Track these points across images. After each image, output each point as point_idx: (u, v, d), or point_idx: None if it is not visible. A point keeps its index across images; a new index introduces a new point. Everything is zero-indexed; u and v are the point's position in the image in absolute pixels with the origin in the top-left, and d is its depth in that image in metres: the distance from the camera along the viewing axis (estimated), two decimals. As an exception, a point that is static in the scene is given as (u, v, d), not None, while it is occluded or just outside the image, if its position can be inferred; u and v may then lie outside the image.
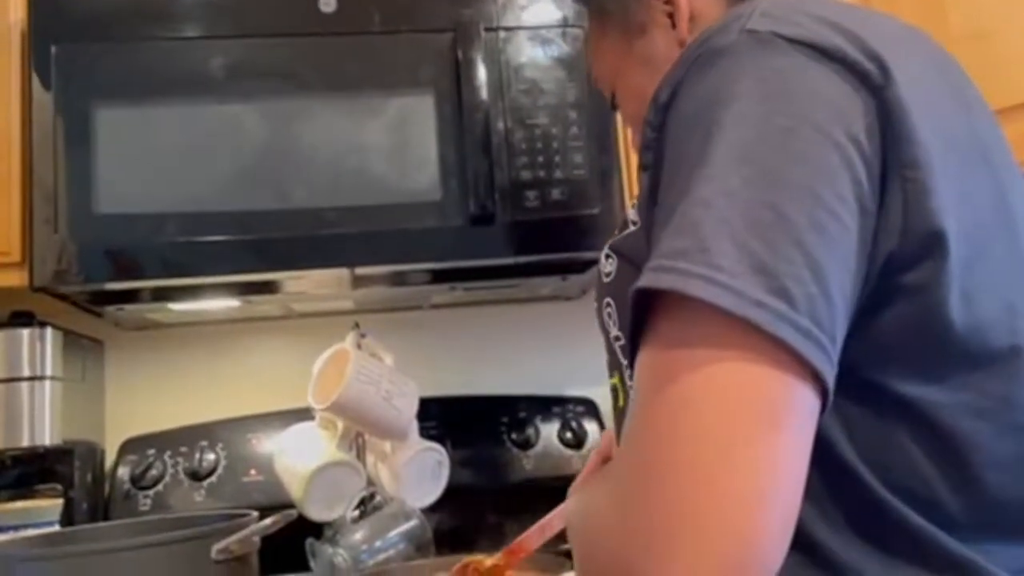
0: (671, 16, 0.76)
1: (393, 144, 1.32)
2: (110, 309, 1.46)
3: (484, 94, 1.32)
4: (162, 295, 1.40)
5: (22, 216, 1.29)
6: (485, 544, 1.04)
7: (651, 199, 0.57)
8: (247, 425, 1.57)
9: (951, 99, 0.59)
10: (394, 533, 1.21)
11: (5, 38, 1.33)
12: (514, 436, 1.62)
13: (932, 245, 0.52)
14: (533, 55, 1.37)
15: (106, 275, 1.26)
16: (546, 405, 1.67)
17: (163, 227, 1.26)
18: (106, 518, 1.49)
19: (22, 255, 1.28)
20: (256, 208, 1.28)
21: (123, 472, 1.51)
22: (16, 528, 1.29)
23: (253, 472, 1.52)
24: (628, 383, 0.71)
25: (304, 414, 1.34)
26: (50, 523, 1.32)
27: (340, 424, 1.29)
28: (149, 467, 1.50)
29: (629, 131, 1.13)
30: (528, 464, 1.61)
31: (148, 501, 1.48)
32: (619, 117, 1.38)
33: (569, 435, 1.64)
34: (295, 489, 1.25)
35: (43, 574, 0.91)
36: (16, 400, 1.32)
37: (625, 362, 0.73)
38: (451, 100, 1.33)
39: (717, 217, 0.49)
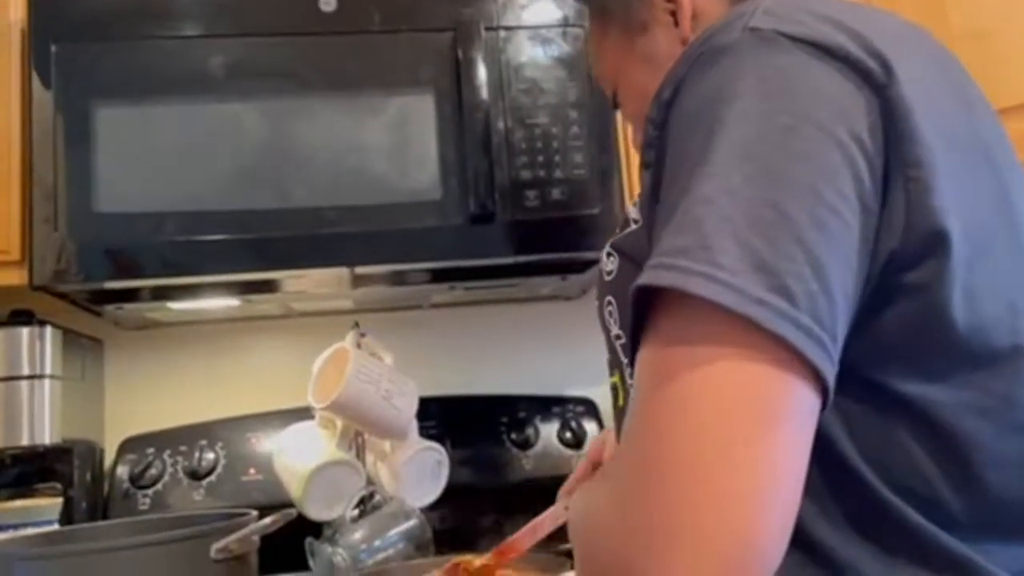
0: (673, 14, 0.76)
1: (393, 143, 1.32)
2: (110, 308, 1.46)
3: (484, 93, 1.32)
4: (162, 294, 1.40)
5: (22, 215, 1.29)
6: (485, 544, 1.04)
7: (653, 197, 0.57)
8: (246, 424, 1.57)
9: (953, 98, 0.59)
10: (393, 532, 1.20)
11: (5, 37, 1.33)
12: (514, 436, 1.62)
13: (934, 244, 0.52)
14: (533, 54, 1.37)
15: (106, 274, 1.26)
16: (546, 405, 1.67)
17: (163, 226, 1.26)
18: (105, 517, 1.49)
19: (22, 254, 1.28)
20: (256, 207, 1.28)
21: (122, 471, 1.51)
22: (15, 527, 1.29)
23: (252, 471, 1.52)
24: (628, 382, 0.71)
25: (304, 413, 1.34)
26: (49, 522, 1.32)
27: (339, 423, 1.29)
28: (148, 466, 1.50)
29: (630, 130, 1.13)
30: (528, 464, 1.61)
31: (147, 500, 1.48)
32: (619, 116, 1.38)
33: (569, 435, 1.64)
34: (294, 488, 1.25)
35: (42, 573, 0.90)
36: (15, 399, 1.32)
37: (626, 361, 0.73)
38: (451, 99, 1.33)
39: (719, 215, 0.49)
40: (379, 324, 1.44)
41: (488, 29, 1.36)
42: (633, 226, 0.73)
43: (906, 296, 0.52)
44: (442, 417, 1.57)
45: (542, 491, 1.10)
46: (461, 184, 1.31)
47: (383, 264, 1.35)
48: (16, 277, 1.28)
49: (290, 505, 1.17)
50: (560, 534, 0.90)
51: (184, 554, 0.91)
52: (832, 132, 0.51)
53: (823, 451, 0.51)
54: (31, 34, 1.28)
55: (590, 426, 1.66)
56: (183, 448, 1.53)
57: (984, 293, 0.53)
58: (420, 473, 1.31)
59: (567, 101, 1.36)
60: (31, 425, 1.32)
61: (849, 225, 0.50)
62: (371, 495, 1.27)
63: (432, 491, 1.32)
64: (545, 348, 1.75)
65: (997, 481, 0.54)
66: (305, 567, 1.19)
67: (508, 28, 1.37)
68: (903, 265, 0.52)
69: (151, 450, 1.52)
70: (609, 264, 0.75)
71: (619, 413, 0.79)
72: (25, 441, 1.32)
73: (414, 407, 1.30)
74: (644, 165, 0.60)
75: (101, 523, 1.41)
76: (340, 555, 1.15)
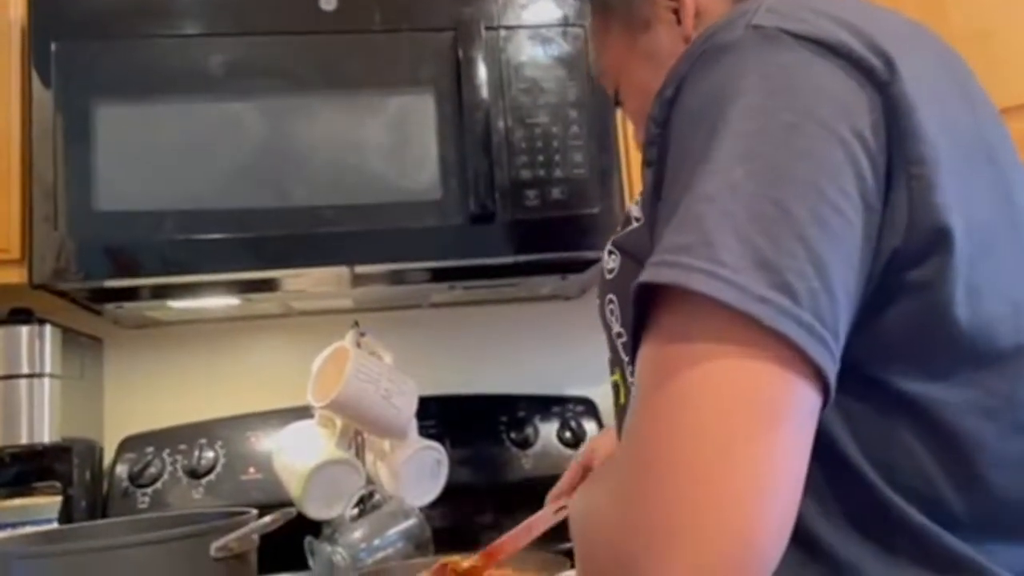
0: (676, 12, 0.76)
1: (393, 143, 1.32)
2: (109, 307, 1.46)
3: (484, 93, 1.32)
4: (161, 293, 1.40)
5: (22, 213, 1.29)
6: (484, 543, 1.04)
7: (655, 195, 0.57)
8: (246, 423, 1.57)
9: (956, 96, 0.59)
10: (393, 532, 1.20)
11: (5, 35, 1.33)
12: (513, 435, 1.62)
13: (938, 242, 0.51)
14: (533, 54, 1.37)
15: (105, 272, 1.26)
16: (545, 404, 1.67)
17: (162, 224, 1.26)
18: (104, 516, 1.49)
19: (21, 252, 1.28)
20: (256, 206, 1.28)
21: (122, 470, 1.51)
22: (14, 525, 1.29)
23: (252, 470, 1.52)
24: (630, 380, 0.71)
25: (303, 412, 1.34)
26: (48, 520, 1.32)
27: (339, 422, 1.28)
28: (148, 465, 1.50)
29: (630, 129, 1.13)
30: (527, 463, 1.61)
31: (147, 499, 1.48)
32: (619, 116, 1.38)
33: (568, 434, 1.64)
34: (294, 487, 1.25)
35: (41, 572, 0.90)
36: (15, 397, 1.32)
37: (627, 359, 0.73)
38: (451, 99, 1.33)
39: (720, 212, 0.49)
40: (379, 323, 1.44)
41: (488, 28, 1.36)
42: (635, 224, 0.73)
43: (909, 294, 0.52)
44: (442, 416, 1.57)
45: (542, 490, 1.10)
46: (461, 183, 1.31)
47: (383, 263, 1.35)
48: (16, 275, 1.28)
49: (290, 504, 1.16)
50: (558, 534, 0.90)
51: (183, 553, 0.91)
52: (835, 129, 0.50)
53: (824, 450, 0.51)
54: (31, 32, 1.28)
55: (590, 426, 1.66)
56: (182, 447, 1.53)
57: (987, 291, 0.53)
58: (419, 472, 1.31)
59: (567, 100, 1.36)
60: (30, 423, 1.32)
61: (851, 223, 0.50)
62: (370, 494, 1.27)
63: (431, 490, 1.32)
64: (545, 348, 1.75)
65: (999, 481, 0.54)
66: (304, 566, 1.18)
67: (508, 27, 1.37)
68: (906, 263, 0.52)
69: (150, 449, 1.52)
70: (611, 262, 0.75)
71: (620, 411, 0.79)
72: (24, 440, 1.32)
73: (414, 406, 1.30)
74: (646, 163, 0.60)
75: (100, 522, 1.40)
76: (339, 554, 1.15)
